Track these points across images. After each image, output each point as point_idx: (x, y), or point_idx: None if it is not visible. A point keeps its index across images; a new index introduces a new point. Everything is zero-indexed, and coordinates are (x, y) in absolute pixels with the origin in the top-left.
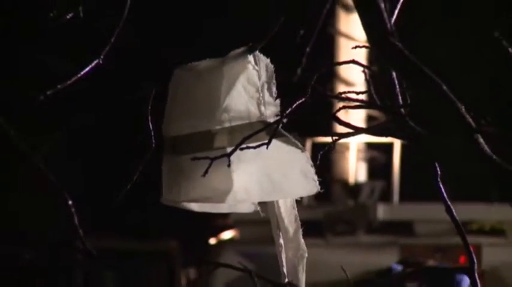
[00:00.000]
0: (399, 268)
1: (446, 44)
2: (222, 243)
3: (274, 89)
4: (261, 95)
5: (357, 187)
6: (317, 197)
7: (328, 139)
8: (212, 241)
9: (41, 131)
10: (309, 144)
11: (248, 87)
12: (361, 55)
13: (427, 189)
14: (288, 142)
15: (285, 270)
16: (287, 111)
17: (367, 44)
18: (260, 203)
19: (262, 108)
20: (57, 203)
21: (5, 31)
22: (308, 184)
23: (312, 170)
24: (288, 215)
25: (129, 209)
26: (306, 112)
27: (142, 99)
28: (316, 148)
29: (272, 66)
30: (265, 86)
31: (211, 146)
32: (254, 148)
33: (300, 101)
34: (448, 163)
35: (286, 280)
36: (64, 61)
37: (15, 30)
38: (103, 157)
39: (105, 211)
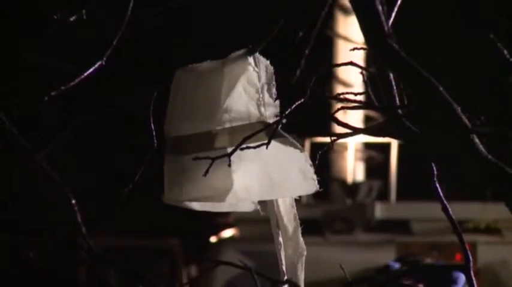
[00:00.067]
0: (397, 265)
1: (443, 45)
2: (222, 241)
3: (273, 90)
4: (261, 96)
5: (355, 186)
6: (316, 196)
7: (327, 139)
8: (213, 239)
9: (43, 131)
10: (308, 144)
11: (248, 88)
12: (359, 57)
13: (423, 188)
14: (287, 142)
15: (284, 268)
16: (286, 112)
17: (365, 46)
18: (260, 202)
19: (262, 109)
20: (60, 201)
21: (6, 31)
22: (307, 183)
23: (311, 170)
24: (287, 214)
25: (132, 207)
26: (305, 113)
27: (144, 100)
28: (315, 147)
29: (272, 67)
30: (265, 87)
31: (212, 146)
32: (254, 148)
33: (299, 102)
34: (444, 163)
35: (286, 277)
36: (66, 62)
37: (17, 32)
38: (106, 156)
39: (107, 209)
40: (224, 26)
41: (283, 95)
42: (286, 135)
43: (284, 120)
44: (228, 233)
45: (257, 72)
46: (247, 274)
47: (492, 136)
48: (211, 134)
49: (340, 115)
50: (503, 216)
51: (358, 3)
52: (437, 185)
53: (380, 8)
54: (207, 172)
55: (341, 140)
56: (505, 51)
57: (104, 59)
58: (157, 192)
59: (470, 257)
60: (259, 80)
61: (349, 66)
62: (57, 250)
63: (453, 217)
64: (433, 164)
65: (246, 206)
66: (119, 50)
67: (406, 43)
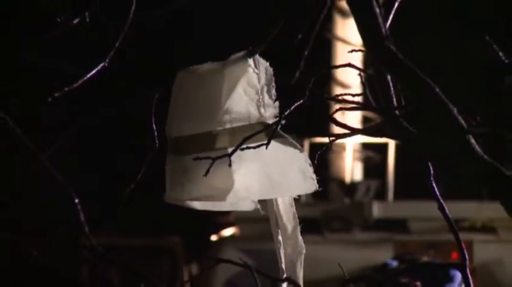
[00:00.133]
0: (394, 263)
1: (440, 47)
2: (223, 240)
3: (273, 91)
4: (261, 97)
5: (353, 185)
6: (315, 195)
7: (326, 140)
8: (214, 237)
9: (43, 131)
10: (307, 144)
11: (248, 89)
12: (357, 59)
13: (420, 188)
14: (286, 142)
15: (283, 266)
16: (286, 113)
17: (363, 48)
18: (260, 201)
19: (262, 110)
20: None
21: (6, 31)
22: (306, 183)
23: (310, 169)
24: (287, 213)
25: (133, 206)
26: (304, 114)
27: (146, 101)
28: (314, 148)
29: (271, 69)
30: (265, 89)
31: (213, 147)
32: (254, 148)
33: (298, 103)
34: (441, 163)
35: (285, 275)
36: (66, 62)
37: (18, 32)
38: (108, 157)
39: (109, 209)
40: (225, 28)
41: (283, 96)
42: (285, 135)
43: (283, 121)
44: (228, 231)
45: (257, 74)
46: (247, 272)
47: (488, 137)
48: (212, 134)
49: (338, 116)
50: (499, 215)
51: (356, 5)
52: (434, 184)
53: (378, 10)
54: (208, 171)
55: (339, 141)
56: (501, 53)
57: (107, 60)
58: (158, 191)
59: (467, 256)
60: (259, 82)
61: (348, 68)
62: (60, 249)
63: (449, 215)
64: (429, 164)
65: (246, 205)
66: (121, 52)
67: (404, 45)
